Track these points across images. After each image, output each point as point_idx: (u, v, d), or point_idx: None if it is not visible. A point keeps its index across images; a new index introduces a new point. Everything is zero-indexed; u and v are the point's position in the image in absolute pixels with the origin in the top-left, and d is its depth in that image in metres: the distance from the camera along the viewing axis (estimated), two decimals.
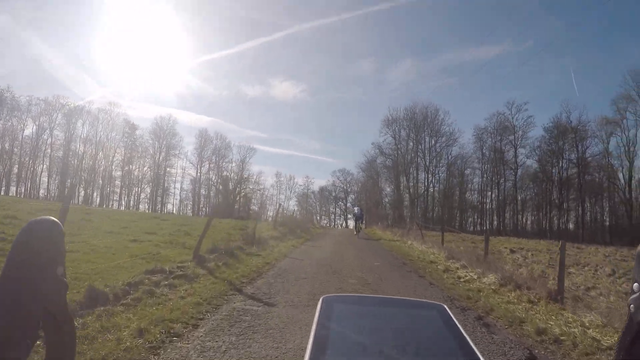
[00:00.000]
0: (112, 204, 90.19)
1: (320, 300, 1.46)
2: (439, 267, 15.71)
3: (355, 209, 37.06)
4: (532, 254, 27.67)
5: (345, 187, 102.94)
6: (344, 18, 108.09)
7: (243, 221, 35.66)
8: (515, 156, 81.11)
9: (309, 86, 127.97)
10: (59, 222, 1.10)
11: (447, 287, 11.44)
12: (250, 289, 9.62)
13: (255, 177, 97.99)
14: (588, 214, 78.16)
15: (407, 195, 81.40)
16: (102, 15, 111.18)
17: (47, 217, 1.09)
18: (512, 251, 29.47)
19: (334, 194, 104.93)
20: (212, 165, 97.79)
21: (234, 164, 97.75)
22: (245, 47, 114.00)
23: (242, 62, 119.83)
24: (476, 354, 1.16)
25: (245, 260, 14.04)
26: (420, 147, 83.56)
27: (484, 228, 79.69)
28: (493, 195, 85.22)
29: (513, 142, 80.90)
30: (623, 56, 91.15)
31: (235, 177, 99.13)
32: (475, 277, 13.31)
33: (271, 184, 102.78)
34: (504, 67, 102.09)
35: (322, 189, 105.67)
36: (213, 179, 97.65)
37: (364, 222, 37.72)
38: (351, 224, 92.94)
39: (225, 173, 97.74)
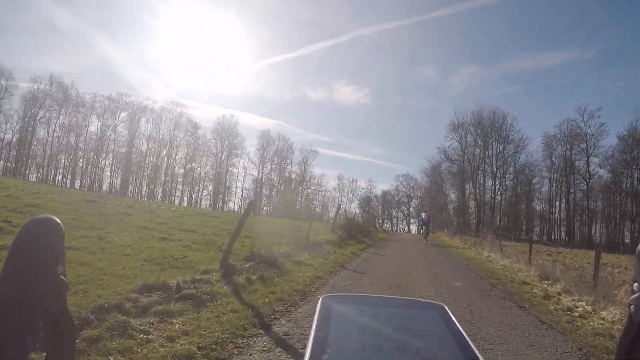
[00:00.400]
0: (174, 200, 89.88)
1: (320, 299, 1.39)
2: (534, 290, 12.05)
3: (423, 214, 34.75)
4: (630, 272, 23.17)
5: (408, 192, 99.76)
6: (407, 23, 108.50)
7: (301, 222, 32.75)
8: (588, 165, 74.68)
9: (371, 90, 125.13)
10: (59, 221, 1.07)
11: (567, 329, 7.83)
12: (284, 323, 6.44)
13: (317, 179, 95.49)
14: None
15: (473, 201, 76.38)
16: (167, 18, 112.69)
17: (47, 215, 1.06)
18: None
19: (396, 199, 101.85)
20: (273, 166, 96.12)
21: (295, 166, 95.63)
22: (309, 50, 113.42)
23: (306, 65, 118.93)
24: (476, 354, 1.11)
25: (290, 271, 10.97)
26: (487, 153, 78.60)
27: (552, 237, 74.03)
28: (562, 205, 79.26)
29: (585, 150, 74.48)
30: None
31: (297, 178, 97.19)
32: (590, 308, 9.67)
33: (333, 187, 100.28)
34: (570, 75, 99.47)
35: (384, 193, 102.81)
36: (274, 179, 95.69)
37: (430, 228, 34.70)
38: (414, 228, 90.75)
39: (287, 173, 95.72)
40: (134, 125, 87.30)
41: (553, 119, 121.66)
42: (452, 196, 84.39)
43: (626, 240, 70.77)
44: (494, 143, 78.39)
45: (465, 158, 79.74)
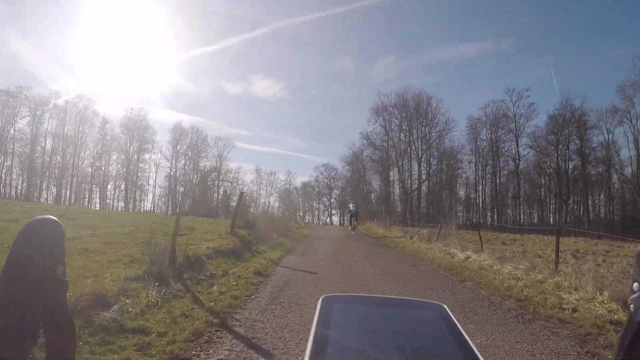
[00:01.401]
0: (85, 202, 78.86)
1: (320, 299, 1.40)
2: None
3: (350, 205, 32.10)
4: (603, 258, 16.92)
5: (329, 183, 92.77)
6: (324, 15, 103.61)
7: (210, 220, 25.28)
8: (517, 146, 70.31)
9: (289, 84, 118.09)
10: (59, 221, 1.08)
11: None
12: None
13: (233, 172, 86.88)
14: (590, 207, 68.22)
15: (400, 188, 70.50)
16: (81, 12, 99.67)
17: (47, 216, 1.07)
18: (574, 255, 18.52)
19: (317, 190, 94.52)
20: (187, 161, 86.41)
21: (210, 160, 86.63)
22: (226, 43, 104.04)
23: (223, 59, 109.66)
24: (476, 353, 1.11)
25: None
26: (412, 137, 72.82)
27: (475, 222, 69.59)
28: (487, 189, 75.31)
29: (514, 131, 70.22)
30: (626, 42, 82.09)
31: (213, 172, 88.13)
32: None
33: (251, 180, 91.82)
34: (487, 65, 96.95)
35: (304, 185, 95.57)
36: (189, 174, 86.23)
37: (357, 218, 32.73)
38: (336, 220, 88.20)
39: (202, 166, 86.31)
40: (36, 121, 74.67)
41: (471, 109, 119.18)
42: (375, 185, 79.05)
43: (551, 221, 67.76)
44: (419, 126, 73.15)
45: (389, 143, 74.04)
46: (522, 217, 71.72)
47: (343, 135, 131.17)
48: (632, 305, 1.01)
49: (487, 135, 72.84)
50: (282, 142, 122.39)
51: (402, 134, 72.97)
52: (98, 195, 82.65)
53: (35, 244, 1.00)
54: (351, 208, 31.18)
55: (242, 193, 23.15)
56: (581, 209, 68.17)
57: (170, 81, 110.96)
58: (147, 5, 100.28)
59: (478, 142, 73.52)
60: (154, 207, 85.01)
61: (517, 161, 70.06)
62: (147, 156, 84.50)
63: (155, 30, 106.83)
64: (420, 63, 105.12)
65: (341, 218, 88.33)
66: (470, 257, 14.47)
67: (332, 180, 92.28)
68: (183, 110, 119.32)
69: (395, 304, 1.59)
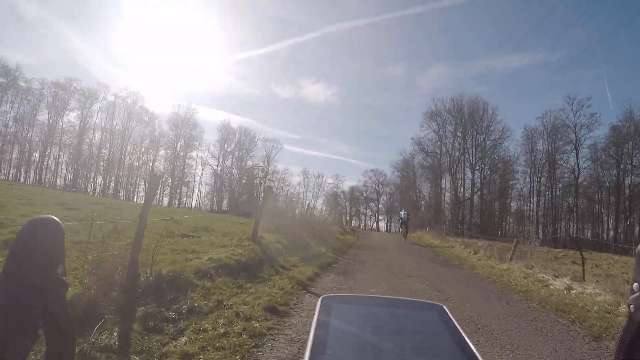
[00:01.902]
0: (134, 197, 77.95)
1: (320, 300, 1.37)
2: None
3: (402, 212, 31.12)
4: None
5: (377, 188, 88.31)
6: (376, 21, 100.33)
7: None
8: (577, 157, 63.77)
9: (340, 89, 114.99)
10: (59, 221, 1.06)
11: None
12: None
13: (280, 173, 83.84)
14: None
15: (452, 197, 65.48)
16: (135, 11, 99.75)
17: (48, 215, 1.04)
18: None
19: (365, 195, 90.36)
20: (235, 160, 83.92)
21: (258, 159, 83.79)
22: (278, 47, 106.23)
23: (274, 62, 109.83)
24: (475, 354, 1.10)
25: None
26: (466, 144, 67.58)
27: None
28: (541, 202, 69.13)
29: (574, 142, 63.64)
30: None
31: (260, 173, 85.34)
32: None
33: (297, 182, 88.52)
34: (538, 76, 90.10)
35: (352, 189, 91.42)
36: (235, 173, 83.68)
37: (408, 226, 30.39)
38: (383, 226, 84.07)
39: (249, 164, 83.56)
40: (85, 114, 73.83)
41: (521, 121, 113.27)
42: (425, 192, 74.35)
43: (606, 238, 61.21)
44: (474, 134, 67.73)
45: (442, 149, 69.05)
46: (577, 233, 65.17)
47: (391, 142, 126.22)
48: (632, 306, 0.99)
49: (544, 146, 66.95)
50: (331, 147, 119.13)
51: (456, 141, 67.92)
52: (143, 190, 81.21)
53: (35, 244, 0.97)
54: (402, 215, 29.75)
55: (269, 187, 19.60)
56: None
57: (221, 81, 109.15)
58: (200, 6, 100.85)
59: (534, 153, 67.66)
60: (199, 204, 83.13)
61: (576, 173, 63.72)
62: (194, 153, 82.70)
63: (207, 31, 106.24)
64: (470, 73, 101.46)
65: (388, 224, 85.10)
66: (573, 288, 10.43)
67: (380, 186, 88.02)
68: (232, 111, 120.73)
69: (395, 304, 1.51)
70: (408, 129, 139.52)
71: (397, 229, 33.51)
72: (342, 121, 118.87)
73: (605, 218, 65.17)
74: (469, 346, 1.13)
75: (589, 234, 65.14)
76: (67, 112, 72.22)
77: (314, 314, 1.28)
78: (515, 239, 16.99)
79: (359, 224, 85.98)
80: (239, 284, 7.66)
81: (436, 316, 1.35)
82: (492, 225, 66.14)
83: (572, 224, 66.18)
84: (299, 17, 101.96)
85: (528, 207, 69.90)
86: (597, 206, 65.38)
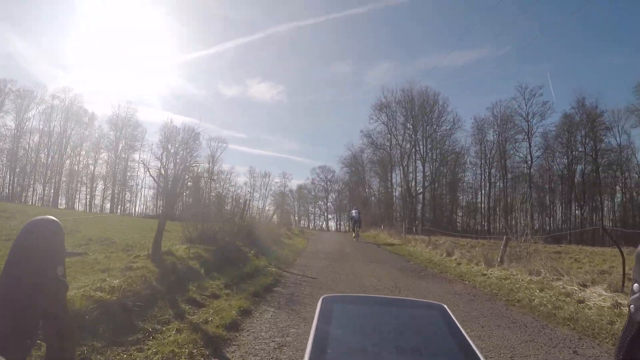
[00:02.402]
0: (74, 204, 70.91)
1: (320, 299, 1.33)
2: None
3: (353, 211, 29.83)
4: None
5: (325, 186, 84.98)
6: (322, 20, 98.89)
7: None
8: (530, 147, 62.13)
9: (286, 87, 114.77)
10: (59, 222, 1.04)
11: None
12: None
13: (225, 174, 78.90)
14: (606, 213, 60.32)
15: (404, 191, 62.41)
16: (79, 10, 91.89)
17: (47, 216, 1.04)
18: None
19: (313, 193, 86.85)
20: (178, 161, 78.18)
21: (202, 158, 78.37)
22: (223, 47, 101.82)
23: (221, 62, 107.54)
24: (477, 354, 1.07)
25: None
26: (417, 136, 64.60)
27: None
28: (492, 194, 67.11)
29: (527, 131, 61.88)
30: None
31: (206, 173, 79.83)
32: None
33: (244, 182, 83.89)
34: (485, 72, 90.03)
35: (300, 187, 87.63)
36: (171, 171, 77.89)
37: (360, 225, 29.16)
38: (332, 225, 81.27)
39: (194, 165, 77.94)
40: (21, 116, 66.48)
41: (469, 114, 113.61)
42: (375, 187, 71.25)
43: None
44: (424, 125, 64.80)
45: (393, 141, 65.69)
46: (532, 224, 63.50)
47: (339, 139, 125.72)
48: (632, 306, 0.98)
49: (495, 137, 64.87)
50: (279, 145, 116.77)
51: (406, 133, 64.79)
52: (86, 196, 74.35)
53: (34, 245, 0.96)
54: (354, 214, 28.36)
55: (196, 182, 15.49)
56: (594, 216, 60.31)
57: (166, 82, 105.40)
58: (145, 6, 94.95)
59: (484, 144, 65.51)
60: (144, 209, 76.85)
61: (529, 163, 62.16)
62: (136, 155, 75.90)
63: (152, 31, 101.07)
64: (417, 69, 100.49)
65: (338, 223, 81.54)
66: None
67: (329, 183, 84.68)
68: (180, 112, 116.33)
69: (395, 304, 1.44)
70: (356, 125, 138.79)
71: (348, 228, 31.59)
72: (289, 119, 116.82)
73: (558, 208, 63.90)
74: (470, 346, 1.09)
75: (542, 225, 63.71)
76: (1, 114, 64.76)
77: (315, 312, 1.22)
78: (505, 236, 13.47)
79: (308, 224, 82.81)
80: (93, 346, 3.77)
81: (437, 316, 1.30)
82: (445, 219, 63.75)
83: (524, 215, 64.63)
84: (244, 17, 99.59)
85: (479, 200, 68.01)
86: (547, 196, 63.97)
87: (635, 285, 0.98)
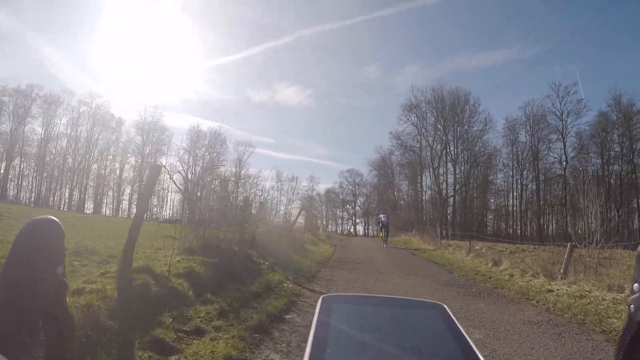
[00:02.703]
0: (100, 208, 70.34)
1: (320, 299, 1.33)
2: None
3: (382, 215, 27.83)
4: None
5: (353, 190, 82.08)
6: (349, 23, 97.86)
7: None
8: (565, 147, 58.57)
9: (315, 91, 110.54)
10: (59, 222, 1.05)
11: None
12: None
13: (252, 178, 77.02)
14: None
15: (435, 194, 59.63)
16: (107, 16, 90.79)
17: (47, 216, 1.04)
18: None
19: (341, 197, 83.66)
20: (205, 164, 76.71)
21: (229, 162, 76.66)
22: (252, 52, 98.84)
23: (248, 67, 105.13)
24: (476, 354, 1.07)
25: None
26: (447, 138, 61.52)
27: (520, 233, 58.49)
28: (524, 196, 63.64)
29: (561, 131, 58.35)
30: None
31: (232, 178, 78.01)
32: None
33: (271, 185, 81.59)
34: (514, 73, 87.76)
35: (328, 191, 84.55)
36: (197, 174, 76.42)
37: (388, 230, 27.52)
38: (360, 229, 78.58)
39: (221, 169, 76.13)
40: (47, 120, 66.12)
41: (500, 114, 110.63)
42: (403, 191, 68.55)
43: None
44: (455, 125, 61.68)
45: (423, 142, 62.67)
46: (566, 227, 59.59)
47: (367, 144, 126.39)
48: (632, 306, 0.97)
49: (527, 137, 61.48)
50: (307, 150, 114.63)
51: (437, 134, 61.71)
52: (114, 201, 73.49)
53: (34, 245, 0.96)
54: (382, 219, 26.81)
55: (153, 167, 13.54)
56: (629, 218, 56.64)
57: (194, 88, 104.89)
58: (172, 12, 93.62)
59: (516, 145, 62.19)
60: (171, 214, 75.48)
61: (563, 163, 58.65)
62: (163, 160, 74.77)
63: (180, 37, 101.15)
64: (445, 71, 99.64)
65: (365, 227, 79.35)
66: None
67: (357, 187, 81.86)
68: (208, 118, 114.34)
69: (395, 303, 1.45)
70: (384, 129, 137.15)
71: (376, 233, 30.50)
72: (317, 123, 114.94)
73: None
74: (470, 346, 1.08)
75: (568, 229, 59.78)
76: (29, 119, 64.43)
77: (315, 311, 1.22)
78: (570, 243, 11.11)
79: (336, 228, 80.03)
80: None
81: (437, 315, 1.29)
82: (476, 223, 60.71)
83: (558, 218, 61.19)
84: (272, 21, 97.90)
85: (510, 203, 64.77)
86: (582, 198, 59.98)
87: (636, 285, 0.96)
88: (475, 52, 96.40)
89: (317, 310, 1.24)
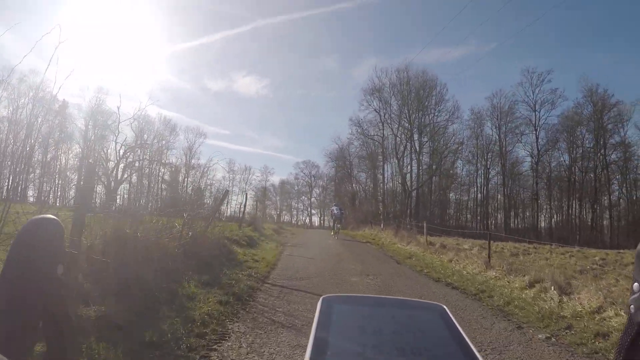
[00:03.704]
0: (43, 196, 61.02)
1: (320, 300, 1.31)
2: None
3: (334, 208, 26.30)
4: None
5: (309, 181, 77.43)
6: (309, 14, 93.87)
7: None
8: (537, 138, 53.77)
9: (272, 81, 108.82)
10: (59, 221, 0.99)
11: None
12: None
13: (202, 168, 70.58)
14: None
15: (400, 185, 53.92)
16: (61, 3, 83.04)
17: (47, 215, 0.99)
18: None
19: (296, 188, 78.98)
20: (154, 152, 69.18)
21: (179, 151, 69.83)
22: (209, 40, 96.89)
23: (206, 55, 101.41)
24: (476, 355, 1.05)
25: None
26: (413, 126, 54.71)
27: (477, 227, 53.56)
28: (487, 191, 59.37)
29: (534, 123, 53.75)
30: None
31: (183, 167, 71.13)
32: None
33: (222, 176, 75.65)
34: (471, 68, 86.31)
35: (283, 182, 79.58)
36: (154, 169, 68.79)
37: (342, 221, 26.82)
38: (316, 220, 75.80)
39: (169, 160, 68.43)
40: None
41: (463, 106, 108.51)
42: (363, 182, 62.63)
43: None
44: (420, 113, 54.93)
45: (387, 131, 55.89)
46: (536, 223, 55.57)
47: (325, 137, 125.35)
48: (632, 306, 0.91)
49: (494, 129, 56.85)
50: (263, 142, 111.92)
51: (401, 122, 55.14)
52: (57, 191, 65.23)
53: (34, 244, 0.92)
54: (335, 211, 25.89)
55: None
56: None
57: (150, 77, 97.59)
58: None
59: (482, 137, 57.54)
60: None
61: (535, 157, 54.09)
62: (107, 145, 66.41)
63: (135, 24, 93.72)
64: (402, 65, 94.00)
65: (321, 218, 74.86)
66: None
67: (313, 179, 77.25)
68: (163, 107, 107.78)
69: (395, 304, 1.43)
70: (342, 122, 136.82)
71: (331, 227, 27.08)
72: (274, 115, 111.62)
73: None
74: (469, 346, 1.08)
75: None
76: None
77: (315, 312, 1.22)
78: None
79: (291, 219, 75.86)
80: None
81: (437, 316, 1.27)
82: (447, 218, 55.89)
83: (526, 213, 57.04)
84: (230, 9, 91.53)
85: (472, 197, 60.57)
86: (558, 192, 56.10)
87: (635, 285, 0.91)
88: (436, 46, 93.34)
89: (317, 311, 1.21)
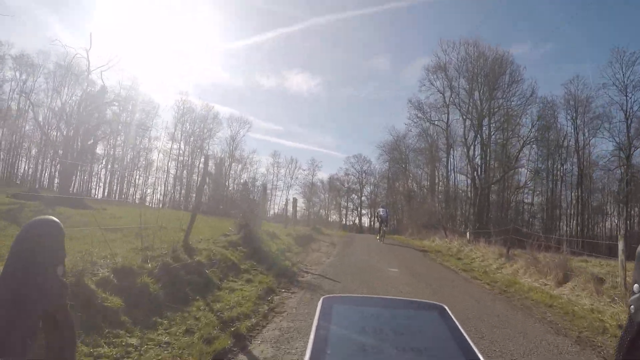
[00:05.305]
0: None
1: (320, 300, 1.29)
2: None
3: (380, 209, 24.82)
4: None
5: (360, 178, 68.71)
6: (361, 13, 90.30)
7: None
8: (628, 128, 43.05)
9: (323, 80, 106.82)
10: (59, 222, 1.01)
11: None
12: None
13: (246, 158, 64.75)
14: None
15: (471, 182, 44.73)
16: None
17: (47, 216, 0.99)
18: None
19: (346, 185, 70.28)
20: (195, 140, 63.83)
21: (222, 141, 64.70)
22: (262, 38, 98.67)
23: (259, 53, 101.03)
24: (477, 355, 1.03)
25: None
26: (484, 110, 45.16)
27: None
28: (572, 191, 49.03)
29: (624, 109, 42.92)
30: None
31: (228, 158, 65.61)
32: None
33: (266, 168, 69.46)
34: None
35: (332, 178, 71.48)
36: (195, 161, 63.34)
37: (387, 224, 24.36)
38: (366, 221, 68.61)
39: (208, 151, 62.67)
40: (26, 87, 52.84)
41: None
42: (422, 178, 53.78)
43: None
44: (491, 95, 44.89)
45: (452, 117, 46.93)
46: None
47: (375, 134, 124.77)
48: (632, 307, 0.94)
49: (571, 119, 46.53)
50: (313, 139, 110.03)
51: (471, 105, 45.80)
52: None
53: (34, 245, 0.92)
54: (381, 213, 23.95)
55: None
56: None
57: (205, 72, 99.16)
58: None
59: (556, 130, 47.43)
60: (166, 198, 63.61)
61: (625, 149, 43.25)
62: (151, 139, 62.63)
63: (190, 21, 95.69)
64: (471, 40, 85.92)
65: (371, 220, 66.37)
66: None
67: (364, 175, 68.55)
68: (217, 102, 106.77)
69: (395, 304, 1.37)
70: (393, 122, 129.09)
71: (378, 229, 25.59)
72: (325, 112, 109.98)
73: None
74: (470, 346, 1.05)
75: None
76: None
77: (315, 312, 1.19)
78: None
79: (340, 219, 67.85)
80: None
81: (437, 316, 1.24)
82: (521, 224, 46.26)
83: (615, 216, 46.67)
84: (283, 9, 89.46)
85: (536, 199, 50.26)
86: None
87: (636, 285, 0.93)
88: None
89: (317, 312, 1.20)
